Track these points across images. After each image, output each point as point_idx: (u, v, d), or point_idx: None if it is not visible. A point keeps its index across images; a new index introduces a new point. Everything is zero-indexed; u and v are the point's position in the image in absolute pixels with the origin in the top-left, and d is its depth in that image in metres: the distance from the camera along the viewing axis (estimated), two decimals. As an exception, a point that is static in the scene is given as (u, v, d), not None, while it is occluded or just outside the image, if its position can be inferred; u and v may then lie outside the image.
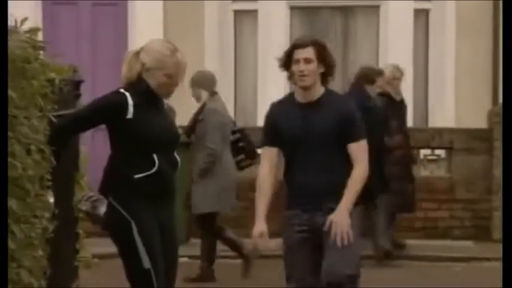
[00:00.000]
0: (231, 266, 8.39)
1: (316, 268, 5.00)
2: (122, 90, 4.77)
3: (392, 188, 8.89)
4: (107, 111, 4.76)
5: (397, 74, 9.47)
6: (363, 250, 5.22)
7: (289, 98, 5.20)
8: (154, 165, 4.72)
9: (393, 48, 11.27)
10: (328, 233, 4.92)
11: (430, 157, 10.58)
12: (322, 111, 5.05)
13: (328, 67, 5.07)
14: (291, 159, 5.15)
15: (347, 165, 5.05)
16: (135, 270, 4.70)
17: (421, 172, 10.36)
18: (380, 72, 9.07)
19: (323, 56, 5.04)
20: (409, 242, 9.78)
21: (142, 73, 4.77)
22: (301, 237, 5.08)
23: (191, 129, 8.21)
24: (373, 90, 8.91)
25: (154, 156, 4.72)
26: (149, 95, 4.79)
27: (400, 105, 9.47)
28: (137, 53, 4.82)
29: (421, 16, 11.49)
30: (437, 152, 10.57)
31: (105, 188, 4.85)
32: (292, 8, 11.43)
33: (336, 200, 4.98)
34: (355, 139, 5.07)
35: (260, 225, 5.04)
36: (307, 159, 5.07)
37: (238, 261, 8.22)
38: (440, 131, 10.41)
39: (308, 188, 5.07)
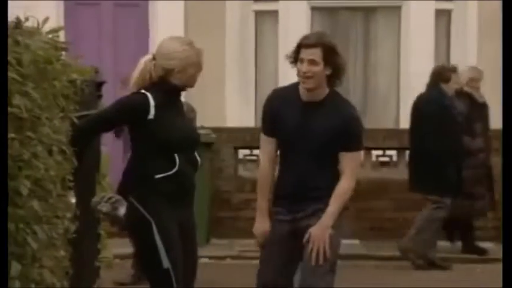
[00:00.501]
0: (248, 267, 8.37)
1: (286, 270, 4.85)
2: (143, 91, 4.79)
3: (475, 192, 8.90)
4: (129, 112, 4.79)
5: (475, 75, 9.40)
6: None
7: (294, 89, 4.91)
8: (175, 166, 4.73)
9: (414, 49, 11.23)
10: (306, 244, 4.74)
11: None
12: (323, 112, 4.80)
13: (335, 70, 4.78)
14: (283, 154, 4.93)
15: (336, 171, 4.83)
16: (155, 270, 4.71)
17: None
18: (454, 69, 9.01)
19: (330, 58, 4.74)
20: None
21: (167, 76, 4.79)
22: (281, 236, 4.86)
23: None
24: (449, 88, 8.86)
25: (176, 156, 4.74)
26: (172, 95, 4.82)
27: (483, 108, 9.39)
28: (151, 60, 4.83)
29: (443, 16, 11.43)
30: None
31: (125, 188, 4.87)
32: (313, 9, 11.42)
33: (322, 204, 4.78)
34: (351, 148, 4.81)
35: (262, 224, 4.92)
36: (299, 159, 4.84)
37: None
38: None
39: (295, 188, 4.86)
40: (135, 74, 4.87)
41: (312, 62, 4.73)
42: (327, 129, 4.77)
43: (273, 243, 4.91)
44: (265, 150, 4.98)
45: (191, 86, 4.89)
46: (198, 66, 4.82)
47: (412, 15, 11.23)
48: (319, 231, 4.74)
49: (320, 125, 4.79)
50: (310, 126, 4.81)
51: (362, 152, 4.90)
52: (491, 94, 11.16)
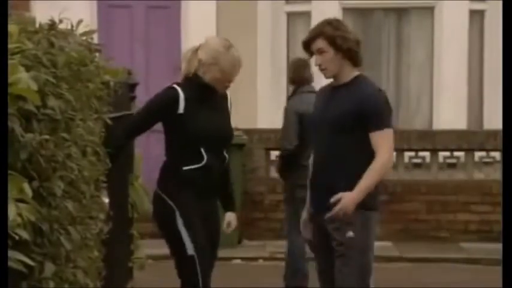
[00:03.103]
0: (279, 268, 8.38)
1: (330, 266, 4.76)
2: (174, 85, 4.89)
3: None
4: (160, 108, 4.93)
5: None
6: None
7: (331, 82, 4.90)
8: (202, 159, 4.81)
9: (448, 49, 11.16)
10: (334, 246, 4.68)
11: (485, 160, 10.45)
12: (340, 96, 4.71)
13: (346, 50, 4.69)
14: (313, 146, 4.92)
15: (362, 160, 4.64)
16: (180, 257, 4.86)
17: (476, 175, 10.24)
18: None
19: (337, 42, 4.68)
20: (464, 245, 9.69)
21: (198, 69, 4.88)
22: (316, 234, 4.84)
23: None
24: None
25: (202, 151, 4.81)
26: (203, 90, 4.88)
27: None
28: (196, 50, 4.95)
29: (477, 17, 11.36)
30: (492, 154, 10.44)
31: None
32: (345, 10, 11.39)
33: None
34: (371, 128, 4.63)
35: (305, 214, 4.95)
36: (321, 150, 4.77)
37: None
38: (495, 133, 10.26)
39: (317, 184, 4.79)
40: (183, 64, 4.98)
41: (321, 52, 4.74)
42: (340, 112, 4.67)
43: (314, 247, 4.94)
44: None
45: (219, 89, 4.91)
46: (224, 72, 4.85)
47: (446, 15, 11.16)
48: (347, 198, 4.59)
49: (334, 108, 4.71)
50: (327, 110, 4.76)
51: (388, 130, 4.66)
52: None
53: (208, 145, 4.84)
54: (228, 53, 4.88)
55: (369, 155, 4.68)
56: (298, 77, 7.31)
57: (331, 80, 4.88)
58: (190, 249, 4.79)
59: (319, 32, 4.76)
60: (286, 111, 7.23)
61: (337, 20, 4.88)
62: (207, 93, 4.89)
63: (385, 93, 4.85)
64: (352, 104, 4.66)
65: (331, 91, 4.83)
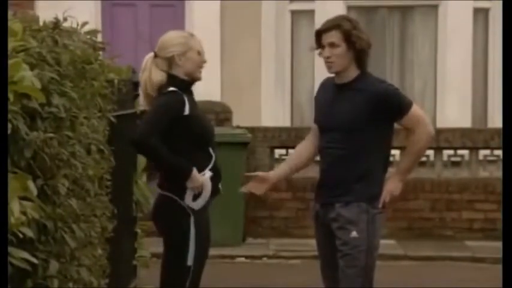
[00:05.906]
0: (283, 266, 8.39)
1: (334, 265, 4.73)
2: (173, 88, 4.70)
3: None
4: (170, 111, 4.66)
5: None
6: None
7: (334, 77, 4.84)
8: (211, 158, 4.72)
9: (452, 47, 11.15)
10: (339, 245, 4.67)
11: (489, 158, 10.43)
12: (349, 96, 4.67)
13: (358, 49, 4.63)
14: (319, 142, 4.87)
15: (371, 157, 4.67)
16: (176, 264, 4.66)
17: (480, 173, 10.23)
18: None
19: (351, 39, 4.61)
20: (469, 243, 9.68)
21: (171, 69, 4.71)
22: (321, 233, 4.82)
23: None
24: None
25: (210, 150, 4.73)
26: (189, 87, 4.76)
27: None
28: (154, 56, 4.76)
29: (481, 15, 11.35)
30: (496, 152, 10.42)
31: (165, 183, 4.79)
32: (350, 8, 11.38)
33: (352, 196, 4.65)
34: (402, 113, 4.65)
35: (265, 174, 5.01)
36: (329, 146, 4.75)
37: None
38: (499, 132, 10.24)
39: (325, 178, 4.78)
40: (141, 74, 4.80)
41: (332, 45, 4.66)
42: (353, 112, 4.65)
43: (318, 244, 4.90)
44: (311, 133, 4.94)
45: (197, 77, 4.77)
46: (198, 53, 4.75)
47: (450, 13, 11.15)
48: (390, 186, 4.72)
49: (345, 108, 4.68)
50: (335, 111, 4.72)
51: (412, 109, 4.67)
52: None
53: (212, 143, 4.79)
54: (193, 37, 4.80)
55: (380, 153, 4.72)
56: None
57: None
58: (190, 260, 4.62)
59: (336, 24, 4.68)
60: None
61: (355, 20, 4.82)
62: (191, 90, 4.77)
63: (387, 83, 4.86)
64: (365, 104, 4.63)
65: (337, 89, 4.76)
